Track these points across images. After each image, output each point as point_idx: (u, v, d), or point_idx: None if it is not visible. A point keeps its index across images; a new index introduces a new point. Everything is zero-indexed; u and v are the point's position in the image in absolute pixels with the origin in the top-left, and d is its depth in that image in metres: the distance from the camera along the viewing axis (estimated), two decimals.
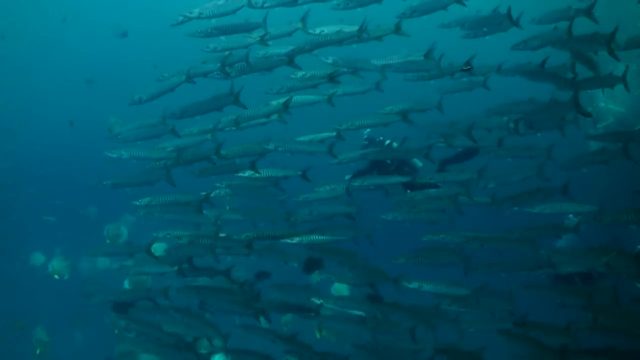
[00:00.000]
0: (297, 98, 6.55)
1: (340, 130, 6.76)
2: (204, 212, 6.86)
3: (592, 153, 6.85)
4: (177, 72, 6.29)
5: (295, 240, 6.59)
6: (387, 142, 7.90)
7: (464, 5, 6.23)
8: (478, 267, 6.60)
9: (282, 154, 6.71)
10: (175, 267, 6.72)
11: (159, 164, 6.60)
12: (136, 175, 6.68)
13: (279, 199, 7.44)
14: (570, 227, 6.80)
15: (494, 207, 6.80)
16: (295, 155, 6.74)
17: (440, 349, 6.56)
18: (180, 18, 6.18)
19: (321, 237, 6.68)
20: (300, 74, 6.41)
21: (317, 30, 6.27)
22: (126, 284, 8.56)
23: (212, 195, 7.00)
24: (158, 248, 7.05)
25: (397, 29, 6.24)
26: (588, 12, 6.32)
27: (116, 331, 7.13)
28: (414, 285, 6.40)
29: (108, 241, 10.25)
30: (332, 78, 6.48)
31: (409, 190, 7.27)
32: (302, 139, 6.85)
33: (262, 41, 6.29)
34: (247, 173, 6.62)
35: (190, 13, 6.11)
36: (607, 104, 11.14)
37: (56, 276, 11.40)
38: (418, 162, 8.10)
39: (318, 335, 7.31)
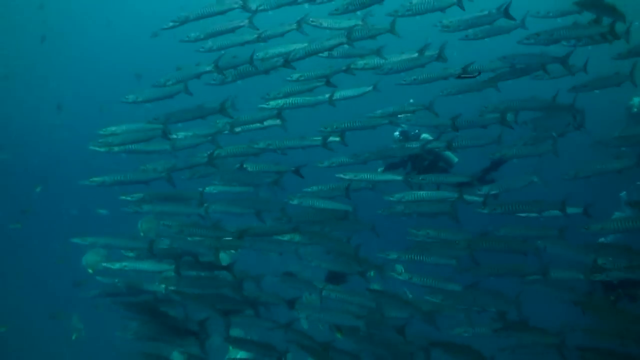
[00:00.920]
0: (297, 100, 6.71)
1: (325, 132, 6.74)
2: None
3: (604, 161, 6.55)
4: (171, 77, 6.41)
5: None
6: (423, 135, 7.87)
7: (463, 8, 6.16)
8: (469, 268, 6.48)
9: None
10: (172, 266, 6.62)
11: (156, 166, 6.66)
12: (131, 173, 6.68)
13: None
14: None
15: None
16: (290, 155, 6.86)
17: (435, 342, 6.45)
18: (171, 24, 6.29)
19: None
20: (295, 75, 6.53)
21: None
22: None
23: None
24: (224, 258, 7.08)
25: (392, 29, 6.32)
26: None
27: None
28: (404, 276, 6.38)
29: (142, 234, 10.58)
30: (328, 81, 6.58)
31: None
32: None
33: (260, 39, 6.40)
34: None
35: (179, 18, 6.21)
36: None
37: (90, 270, 11.89)
38: (453, 157, 8.05)
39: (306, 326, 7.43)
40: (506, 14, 6.16)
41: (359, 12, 6.31)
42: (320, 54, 6.38)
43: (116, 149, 6.62)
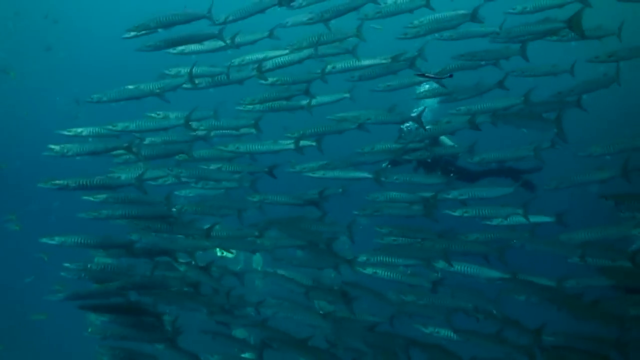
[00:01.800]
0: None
1: (294, 138, 6.75)
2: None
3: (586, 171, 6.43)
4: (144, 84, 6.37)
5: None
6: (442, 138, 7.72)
7: (432, 8, 6.22)
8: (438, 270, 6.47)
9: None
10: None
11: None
12: (98, 178, 6.27)
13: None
14: None
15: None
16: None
17: (414, 341, 6.52)
18: (133, 33, 6.16)
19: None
20: (271, 79, 6.59)
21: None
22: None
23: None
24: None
25: (358, 33, 6.40)
26: None
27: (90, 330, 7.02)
28: (368, 270, 6.37)
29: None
30: (307, 90, 6.65)
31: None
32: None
33: (232, 44, 6.45)
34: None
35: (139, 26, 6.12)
36: None
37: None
38: (448, 142, 7.83)
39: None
40: (474, 18, 6.21)
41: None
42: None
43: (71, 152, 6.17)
